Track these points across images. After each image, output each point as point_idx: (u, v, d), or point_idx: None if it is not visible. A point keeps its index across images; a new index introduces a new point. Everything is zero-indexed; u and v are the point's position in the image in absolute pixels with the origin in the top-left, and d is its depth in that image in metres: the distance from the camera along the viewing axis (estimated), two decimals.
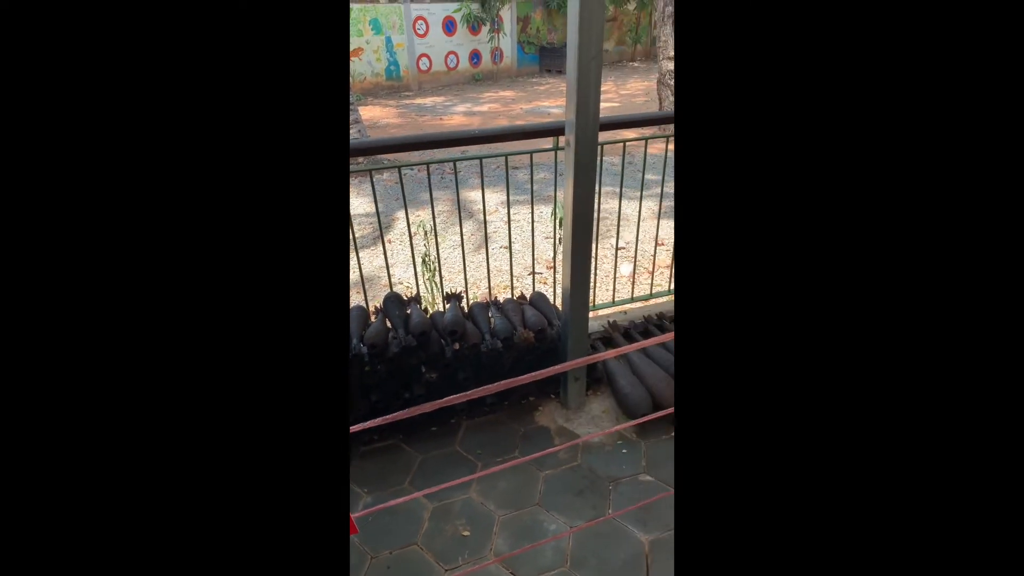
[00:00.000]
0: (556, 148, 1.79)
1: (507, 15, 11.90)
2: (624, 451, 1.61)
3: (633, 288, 2.45)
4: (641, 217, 2.37)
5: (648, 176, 2.43)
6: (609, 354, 0.92)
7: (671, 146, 3.58)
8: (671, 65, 5.96)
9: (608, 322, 2.11)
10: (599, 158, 2.02)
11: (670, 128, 4.72)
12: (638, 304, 2.35)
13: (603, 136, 1.89)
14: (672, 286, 2.40)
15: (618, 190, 4.06)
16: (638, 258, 3.08)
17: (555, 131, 1.64)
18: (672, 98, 6.00)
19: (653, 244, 3.02)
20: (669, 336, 1.09)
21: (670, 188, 2.73)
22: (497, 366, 1.73)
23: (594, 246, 2.41)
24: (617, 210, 3.56)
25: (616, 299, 2.35)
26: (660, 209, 2.34)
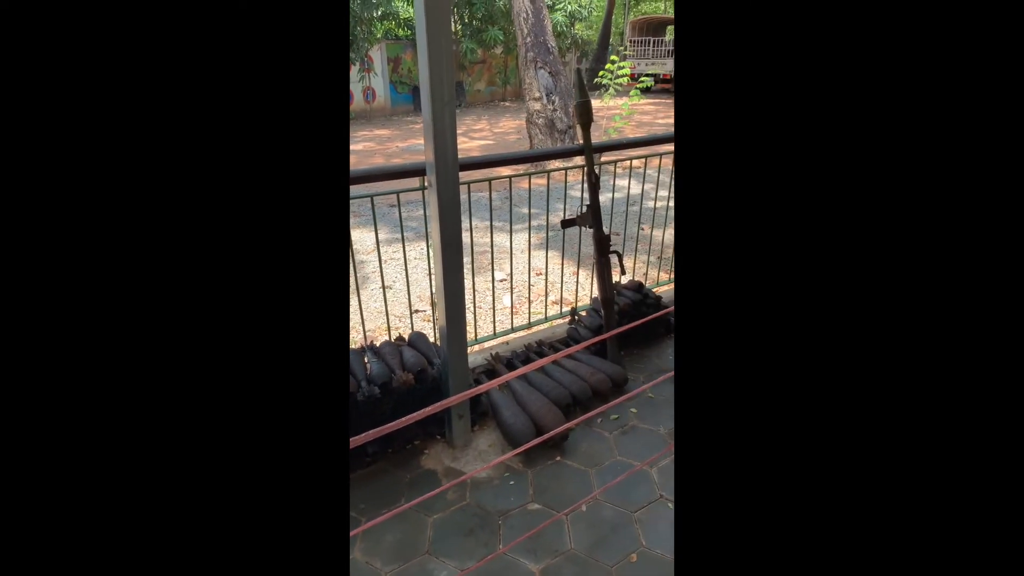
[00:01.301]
0: (423, 188, 1.81)
1: (377, 55, 11.95)
2: (512, 482, 1.62)
3: (512, 318, 2.51)
4: (521, 248, 2.46)
5: (525, 210, 2.54)
6: (487, 386, 0.93)
7: (542, 180, 3.80)
8: (537, 105, 6.37)
9: (491, 354, 2.13)
10: (467, 195, 2.08)
11: (543, 165, 4.99)
12: (520, 333, 2.42)
13: (479, 173, 1.96)
14: (548, 313, 2.50)
15: (500, 224, 4.20)
16: (518, 288, 3.18)
17: (417, 171, 1.66)
18: (540, 136, 6.39)
19: (534, 275, 3.15)
20: (545, 361, 1.13)
21: (543, 221, 2.86)
22: (377, 413, 1.67)
23: (473, 280, 2.46)
24: (504, 243, 3.65)
25: (497, 331, 2.40)
26: (530, 240, 2.46)
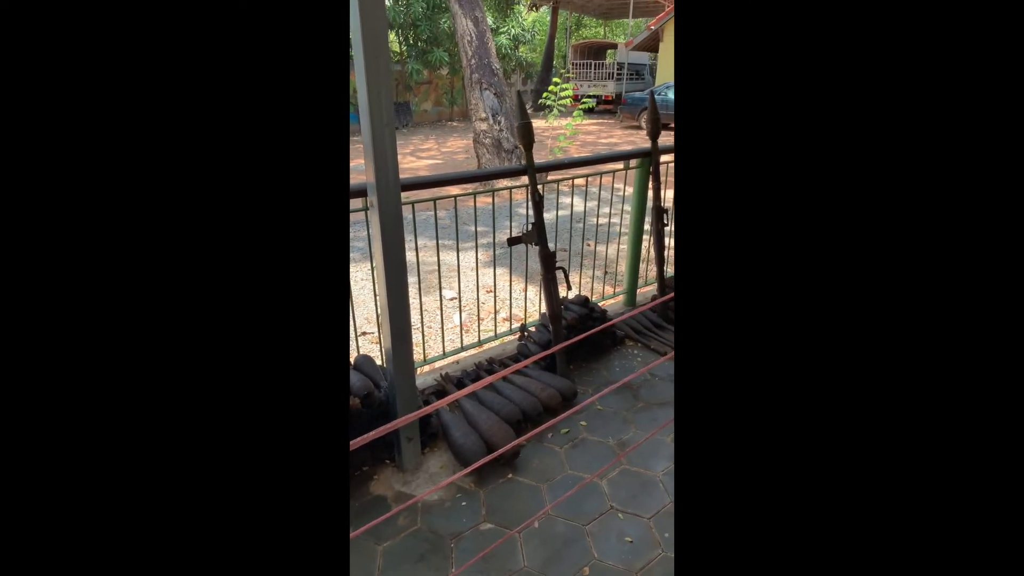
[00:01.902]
0: (365, 208, 1.80)
1: None
2: (464, 503, 1.60)
3: (462, 337, 2.51)
4: (471, 266, 2.46)
5: (473, 228, 2.55)
6: (434, 406, 0.92)
7: (490, 199, 3.84)
8: (484, 126, 6.45)
9: (441, 375, 2.11)
10: (412, 215, 2.08)
11: (492, 183, 5.03)
12: (471, 352, 2.41)
13: (427, 193, 1.95)
14: (498, 330, 2.51)
15: (449, 242, 4.20)
16: (469, 306, 3.18)
17: (359, 192, 1.64)
18: (488, 155, 6.47)
19: (484, 292, 3.16)
20: (494, 378, 1.13)
21: (492, 239, 2.88)
22: None
23: (420, 299, 2.44)
24: (454, 261, 3.63)
25: (447, 350, 2.38)
26: (477, 258, 2.47)
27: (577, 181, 2.80)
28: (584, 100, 7.39)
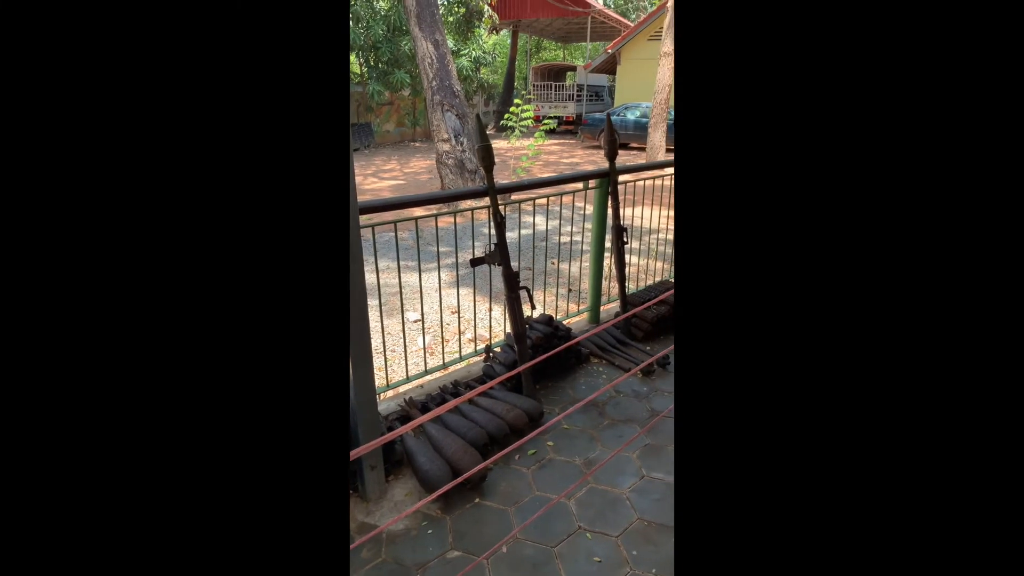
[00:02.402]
0: None
1: None
2: (430, 531, 1.56)
3: (426, 360, 2.48)
4: (436, 288, 2.45)
5: (438, 249, 2.54)
6: (398, 432, 0.90)
7: (459, 219, 3.84)
8: (446, 146, 6.48)
9: (405, 399, 2.08)
10: (372, 236, 2.06)
11: (456, 204, 5.06)
12: (436, 375, 2.38)
13: (390, 215, 1.94)
14: (463, 352, 2.50)
15: (414, 263, 4.16)
16: (433, 328, 3.15)
17: None
18: (451, 176, 6.49)
19: (449, 313, 3.14)
20: (458, 401, 1.12)
21: (457, 259, 2.88)
22: None
23: (382, 322, 2.40)
24: (416, 283, 3.60)
25: (411, 374, 2.35)
26: (440, 278, 2.46)
27: (540, 201, 2.84)
28: (545, 121, 7.53)
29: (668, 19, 9.19)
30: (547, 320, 2.41)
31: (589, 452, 1.91)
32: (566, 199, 2.82)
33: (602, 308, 2.92)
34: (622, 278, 2.68)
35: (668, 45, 9.19)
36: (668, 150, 10.62)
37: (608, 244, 2.71)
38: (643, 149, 10.68)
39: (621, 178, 2.90)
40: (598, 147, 13.47)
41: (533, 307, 2.21)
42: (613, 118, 13.25)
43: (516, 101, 7.17)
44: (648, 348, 2.61)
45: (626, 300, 2.71)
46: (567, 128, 16.09)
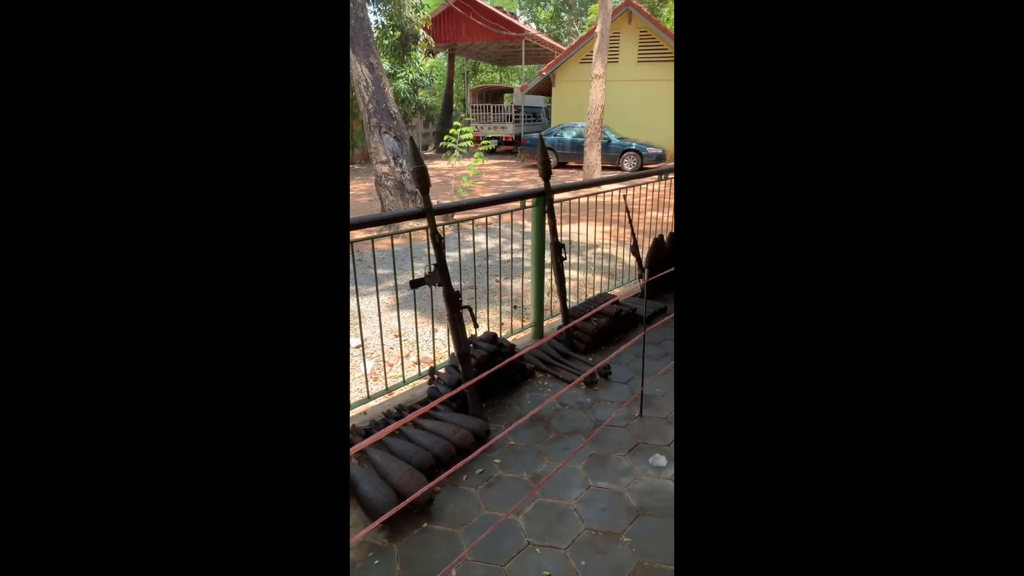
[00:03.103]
0: None
1: None
2: (376, 562, 1.52)
3: (369, 385, 2.43)
4: (378, 311, 2.41)
5: (381, 271, 2.51)
6: None
7: (399, 240, 3.81)
8: (385, 168, 6.44)
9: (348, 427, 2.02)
10: None
11: (397, 226, 5.01)
12: (379, 400, 2.33)
13: None
14: (407, 375, 2.47)
15: (352, 287, 4.05)
16: (376, 352, 3.09)
17: None
18: (391, 197, 6.44)
19: (392, 336, 3.09)
20: (401, 423, 1.10)
21: (399, 281, 2.84)
22: None
23: None
24: (353, 308, 3.51)
25: (353, 401, 2.29)
26: (379, 301, 2.43)
27: (482, 220, 2.88)
28: (484, 142, 7.64)
29: (597, 44, 9.62)
30: (491, 338, 2.43)
31: (536, 466, 1.92)
32: (506, 218, 2.87)
33: (546, 323, 2.98)
34: (563, 293, 2.74)
35: (598, 68, 9.60)
36: (603, 168, 11.01)
37: (548, 260, 2.78)
38: (580, 167, 11.02)
39: (559, 196, 2.99)
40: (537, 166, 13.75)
41: (476, 326, 2.23)
42: (550, 138, 13.66)
43: (455, 123, 7.25)
44: (590, 359, 2.68)
45: (567, 313, 2.78)
46: (507, 148, 16.38)
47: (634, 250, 3.42)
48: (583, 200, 3.46)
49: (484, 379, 2.28)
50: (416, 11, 12.15)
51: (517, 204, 2.74)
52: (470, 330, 2.35)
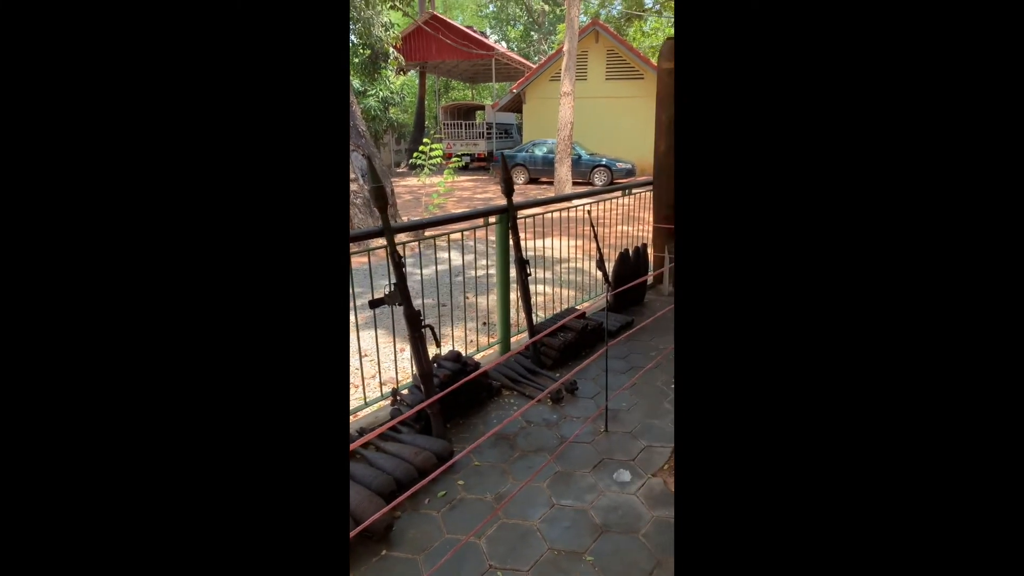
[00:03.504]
0: None
1: None
2: None
3: None
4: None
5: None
6: None
7: (364, 259, 3.77)
8: (354, 186, 6.39)
9: None
10: None
11: (366, 243, 4.97)
12: None
13: None
14: (368, 397, 2.42)
15: None
16: None
17: None
18: (360, 215, 6.38)
19: (354, 358, 3.03)
20: (359, 443, 1.07)
21: (358, 303, 2.80)
22: None
23: None
24: None
25: None
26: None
27: (455, 236, 2.88)
28: (454, 159, 7.67)
29: (564, 62, 9.80)
30: (455, 356, 2.41)
31: (500, 487, 1.90)
32: (480, 233, 2.87)
33: (513, 339, 2.97)
34: (528, 309, 2.74)
35: (566, 86, 9.77)
36: (574, 183, 11.16)
37: (515, 276, 2.78)
38: (552, 183, 11.14)
39: (529, 212, 3.00)
40: None
41: (438, 345, 2.21)
42: (521, 155, 13.81)
43: (425, 140, 7.26)
44: (557, 375, 2.68)
45: (533, 330, 2.77)
46: (480, 165, 16.48)
47: (600, 264, 3.46)
48: (555, 215, 3.50)
49: (449, 399, 2.26)
50: (386, 30, 12.20)
51: (481, 221, 2.74)
52: (433, 349, 2.32)
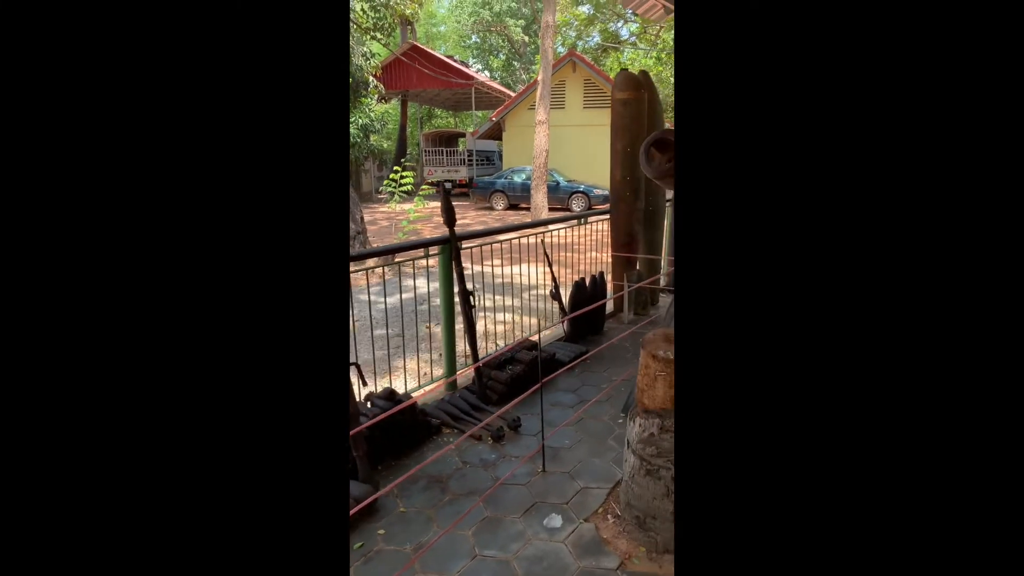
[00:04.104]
0: None
1: None
2: None
3: None
4: None
5: None
6: None
7: None
8: None
9: None
10: None
11: None
12: None
13: None
14: None
15: None
16: None
17: None
18: None
19: None
20: None
21: None
22: None
23: None
24: None
25: None
26: None
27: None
28: (424, 186, 7.69)
29: (539, 91, 9.96)
30: (388, 395, 2.31)
31: (423, 535, 1.79)
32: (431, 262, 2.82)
33: (461, 373, 2.88)
34: (473, 342, 2.67)
35: (541, 114, 9.91)
36: (551, 209, 11.23)
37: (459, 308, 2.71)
38: (530, 209, 11.20)
39: (475, 242, 2.95)
40: (489, 208, 13.94)
41: (364, 384, 2.11)
42: (501, 181, 13.92)
43: (396, 168, 7.26)
44: (503, 411, 2.58)
45: (480, 366, 2.69)
46: (461, 191, 16.58)
47: (554, 294, 3.40)
48: (526, 241, 3.50)
49: (381, 439, 2.15)
50: (367, 59, 12.35)
51: (422, 252, 2.68)
52: (364, 387, 2.23)
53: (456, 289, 2.63)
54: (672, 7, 3.96)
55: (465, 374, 2.93)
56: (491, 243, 3.38)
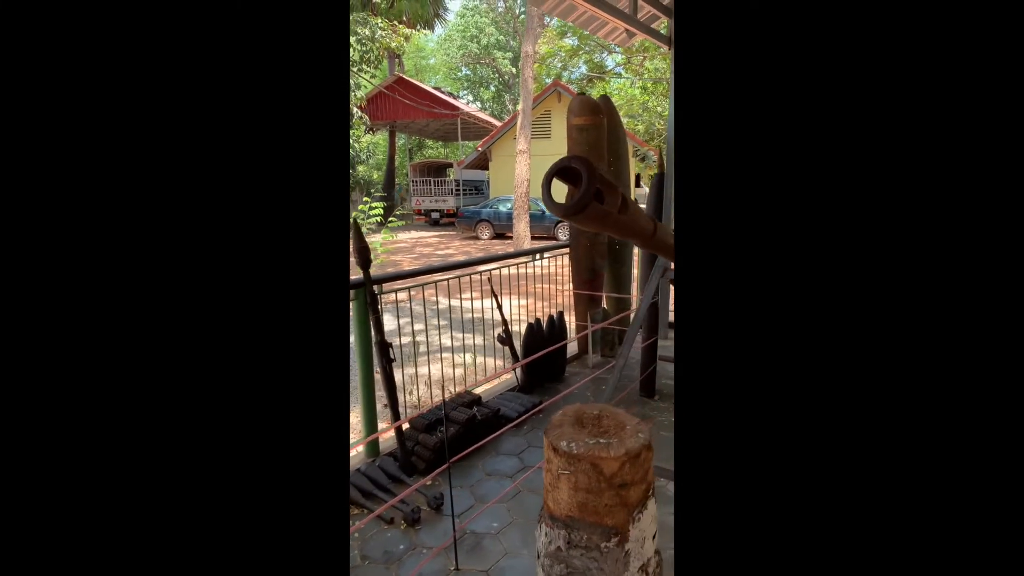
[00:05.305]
0: None
1: None
2: None
3: None
4: None
5: None
6: None
7: None
8: None
9: None
10: None
11: None
12: None
13: None
14: None
15: None
16: None
17: None
18: None
19: None
20: None
21: None
22: None
23: None
24: None
25: None
26: None
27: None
28: (391, 219, 7.51)
29: (520, 122, 9.83)
30: None
31: None
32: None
33: (385, 436, 2.50)
34: (393, 402, 2.30)
35: (522, 144, 9.75)
36: (535, 238, 11.00)
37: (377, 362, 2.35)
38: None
39: (400, 284, 2.61)
40: (475, 238, 13.71)
41: None
42: (487, 211, 13.74)
43: (364, 199, 7.04)
44: (428, 483, 2.19)
45: (401, 428, 2.32)
46: (448, 221, 16.42)
47: (502, 339, 3.05)
48: (510, 271, 3.25)
49: None
50: (352, 92, 12.34)
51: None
52: None
53: (374, 340, 2.28)
54: (634, 32, 3.75)
55: (387, 438, 2.55)
56: (422, 283, 3.02)
